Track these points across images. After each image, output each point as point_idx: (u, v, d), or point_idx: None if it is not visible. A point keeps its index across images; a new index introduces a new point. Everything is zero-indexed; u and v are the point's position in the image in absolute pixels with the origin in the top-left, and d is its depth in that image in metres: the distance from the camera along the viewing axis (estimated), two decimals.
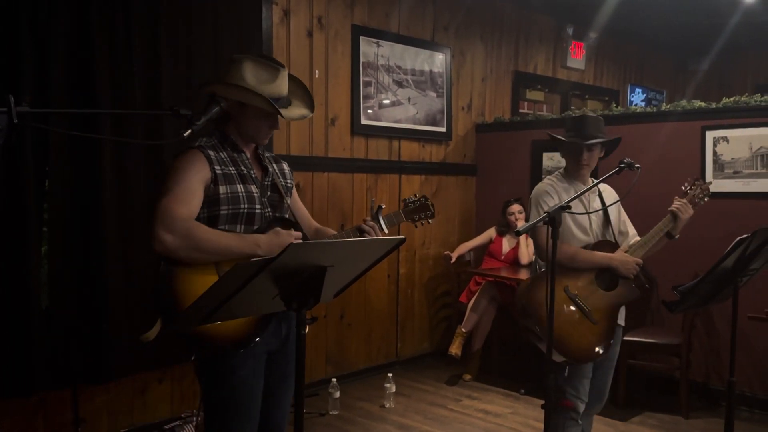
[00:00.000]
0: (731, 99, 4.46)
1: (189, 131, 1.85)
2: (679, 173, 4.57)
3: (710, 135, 4.47)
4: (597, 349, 2.79)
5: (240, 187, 2.19)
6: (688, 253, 4.24)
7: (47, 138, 3.34)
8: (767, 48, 7.81)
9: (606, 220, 2.97)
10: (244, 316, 2.03)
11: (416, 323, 5.50)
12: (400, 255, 5.30)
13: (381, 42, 5.04)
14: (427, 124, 5.43)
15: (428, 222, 2.69)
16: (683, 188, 2.92)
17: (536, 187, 2.98)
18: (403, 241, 1.78)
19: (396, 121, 5.19)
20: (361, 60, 4.91)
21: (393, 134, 5.18)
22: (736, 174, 4.36)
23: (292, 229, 2.24)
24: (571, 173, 2.95)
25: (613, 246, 2.92)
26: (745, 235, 2.41)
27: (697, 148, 4.52)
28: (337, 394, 4.28)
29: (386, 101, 5.12)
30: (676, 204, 2.84)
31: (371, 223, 2.40)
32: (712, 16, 6.44)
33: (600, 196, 2.98)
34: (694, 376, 4.50)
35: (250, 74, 2.16)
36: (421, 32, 5.36)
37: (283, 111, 2.20)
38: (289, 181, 2.43)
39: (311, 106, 2.36)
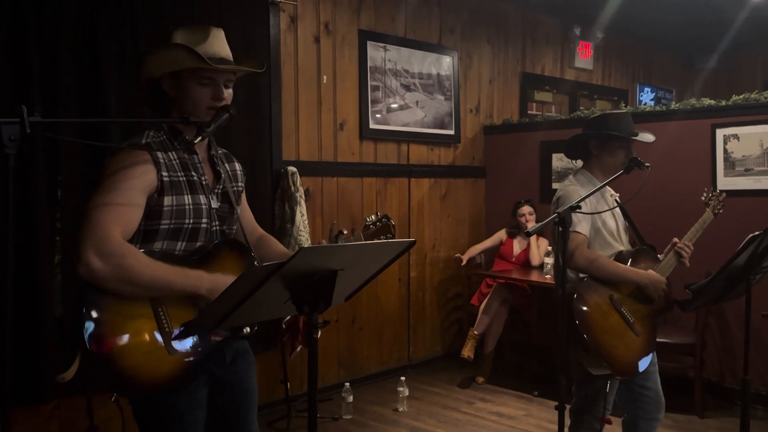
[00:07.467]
0: (741, 96, 4.44)
1: (200, 138, 1.86)
2: (690, 172, 4.56)
3: (720, 133, 4.45)
4: (640, 363, 2.63)
5: (187, 198, 1.88)
6: (699, 252, 4.18)
7: (58, 147, 3.37)
8: None
9: (626, 223, 2.86)
10: (255, 321, 2.03)
11: (428, 326, 5.50)
12: (411, 258, 5.30)
13: (388, 46, 5.05)
14: (435, 127, 5.43)
15: None
16: (703, 198, 2.89)
17: (564, 191, 2.74)
18: (413, 243, 1.77)
19: (404, 125, 5.20)
20: (369, 64, 4.92)
21: (401, 138, 5.19)
22: (747, 171, 4.33)
23: (244, 255, 2.00)
24: (599, 175, 2.75)
25: (653, 256, 2.78)
26: (757, 233, 2.40)
27: (707, 146, 4.50)
28: (350, 399, 4.28)
29: (394, 105, 5.13)
30: (680, 245, 2.80)
31: None
32: (719, 13, 6.41)
33: (616, 200, 2.86)
34: (708, 375, 4.47)
35: (181, 39, 1.92)
36: (427, 35, 5.37)
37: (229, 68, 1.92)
38: (240, 184, 2.13)
39: (259, 66, 2.03)
